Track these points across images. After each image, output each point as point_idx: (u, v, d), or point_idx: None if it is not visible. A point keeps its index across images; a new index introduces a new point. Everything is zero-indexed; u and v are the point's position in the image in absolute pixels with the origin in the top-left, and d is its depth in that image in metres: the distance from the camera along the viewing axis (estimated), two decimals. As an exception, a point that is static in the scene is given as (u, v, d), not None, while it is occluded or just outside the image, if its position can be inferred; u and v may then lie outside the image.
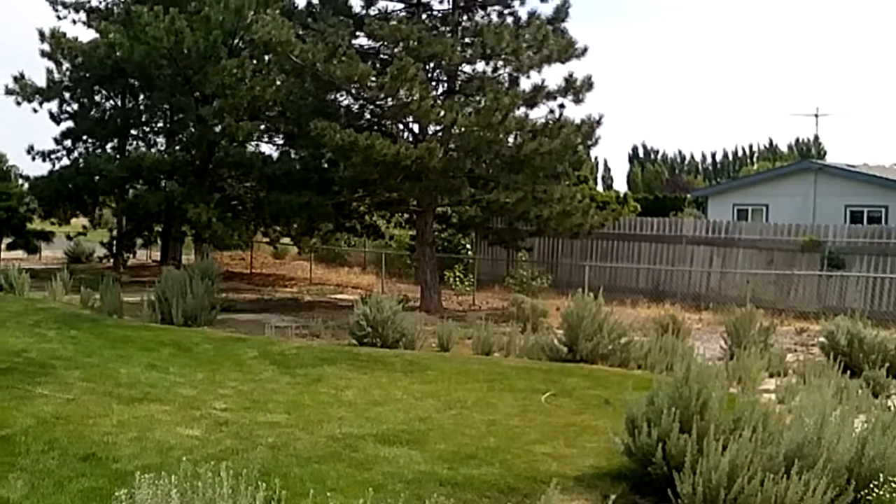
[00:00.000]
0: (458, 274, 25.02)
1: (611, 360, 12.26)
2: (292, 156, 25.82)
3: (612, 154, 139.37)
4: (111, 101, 30.38)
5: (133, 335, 13.66)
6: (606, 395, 9.89)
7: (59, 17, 28.80)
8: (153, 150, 29.50)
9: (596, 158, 67.69)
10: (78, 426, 8.21)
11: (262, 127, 26.71)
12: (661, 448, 6.60)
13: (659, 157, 77.02)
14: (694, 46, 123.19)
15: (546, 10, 21.23)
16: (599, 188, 52.52)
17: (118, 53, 26.68)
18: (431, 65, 20.75)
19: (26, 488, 6.39)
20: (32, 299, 18.41)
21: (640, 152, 77.41)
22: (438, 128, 20.39)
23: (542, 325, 15.98)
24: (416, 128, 21.26)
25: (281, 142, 27.58)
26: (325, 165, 22.77)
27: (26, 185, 29.64)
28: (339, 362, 11.77)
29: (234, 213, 25.81)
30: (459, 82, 21.58)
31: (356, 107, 21.90)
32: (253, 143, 27.80)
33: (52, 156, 29.43)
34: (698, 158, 76.72)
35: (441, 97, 20.79)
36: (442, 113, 19.47)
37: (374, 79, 19.48)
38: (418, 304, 20.22)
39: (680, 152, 77.21)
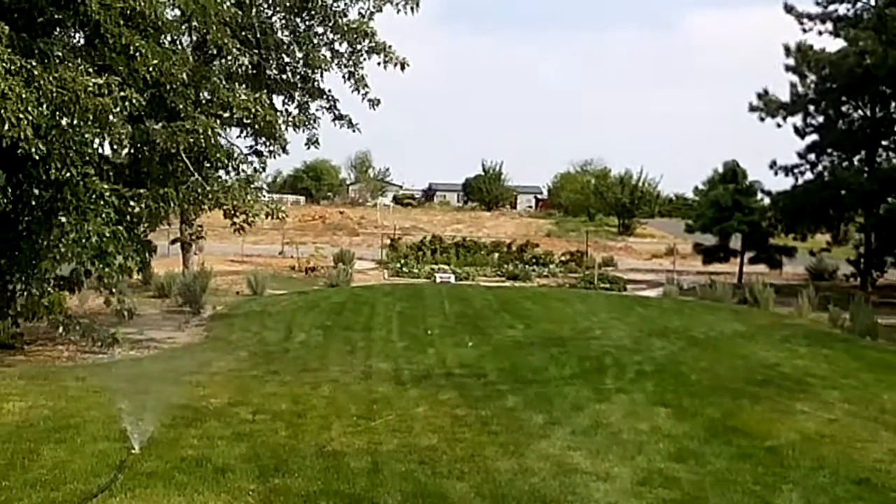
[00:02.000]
0: None
1: None
2: None
3: None
4: (859, 112, 29.76)
5: (894, 360, 12.99)
6: None
7: (804, 30, 29.44)
8: (907, 162, 27.93)
9: None
10: (845, 448, 8.03)
11: None
12: None
13: None
14: None
15: None
16: None
17: (868, 61, 26.05)
18: None
19: (801, 501, 6.40)
20: (777, 314, 19.04)
21: None
22: None
23: None
24: None
25: None
26: None
27: (767, 200, 30.90)
28: None
29: None
30: None
31: None
32: None
33: (795, 170, 30.10)
34: None
35: None
36: None
37: None
38: None
39: None
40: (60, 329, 12.51)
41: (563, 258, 34.15)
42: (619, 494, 6.32)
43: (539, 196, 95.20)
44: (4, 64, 9.38)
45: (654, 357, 13.21)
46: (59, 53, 10.82)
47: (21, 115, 9.33)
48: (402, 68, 15.05)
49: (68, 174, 10.59)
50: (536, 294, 23.48)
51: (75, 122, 10.56)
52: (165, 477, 6.39)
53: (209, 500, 5.89)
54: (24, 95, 9.39)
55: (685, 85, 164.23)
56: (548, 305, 20.24)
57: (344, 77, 15.66)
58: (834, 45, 29.07)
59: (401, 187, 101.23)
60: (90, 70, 10.46)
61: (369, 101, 15.55)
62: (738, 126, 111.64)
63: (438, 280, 27.35)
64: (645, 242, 51.33)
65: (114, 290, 12.75)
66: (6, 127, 9.28)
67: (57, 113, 10.31)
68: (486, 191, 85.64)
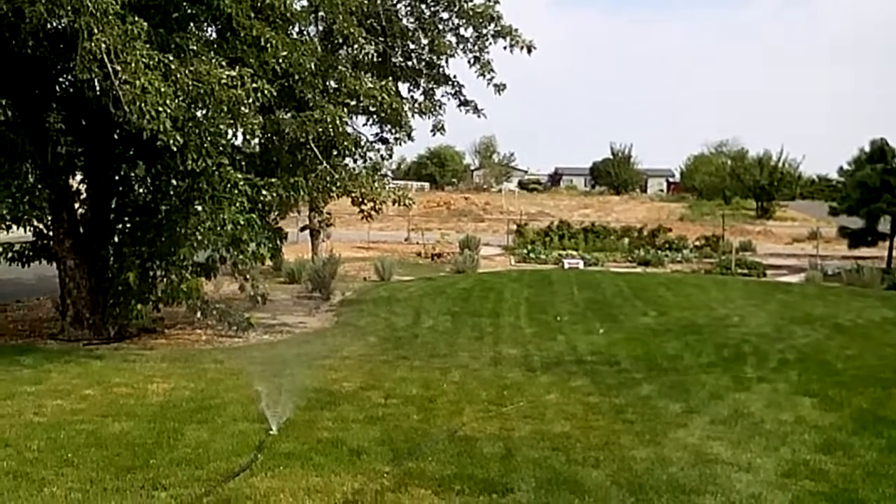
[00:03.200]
0: None
1: None
2: None
3: None
4: None
5: None
6: None
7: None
8: None
9: None
10: None
11: None
12: None
13: None
14: None
15: None
16: None
17: None
18: None
19: None
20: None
21: None
22: None
23: None
24: None
25: None
26: None
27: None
28: None
29: None
30: None
31: None
32: None
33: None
34: None
35: None
36: None
37: None
38: None
39: None
40: (198, 313, 13.11)
41: (697, 243, 33.37)
42: (763, 486, 6.14)
43: (671, 179, 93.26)
44: (144, 59, 9.85)
45: (796, 345, 12.78)
46: (194, 47, 11.27)
47: (160, 108, 9.79)
48: (529, 51, 15.00)
49: (204, 164, 11.07)
50: (670, 280, 23.04)
51: (210, 113, 11.04)
52: (303, 458, 6.62)
53: (345, 482, 6.06)
54: (162, 89, 9.84)
55: (827, 60, 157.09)
56: (682, 292, 19.84)
57: (469, 62, 15.75)
58: None
59: (526, 172, 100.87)
60: (223, 63, 10.87)
61: (495, 85, 15.58)
62: (886, 103, 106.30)
63: (566, 266, 27.19)
64: (785, 226, 49.64)
65: (247, 276, 13.29)
66: (146, 120, 9.76)
67: (192, 105, 10.77)
68: (614, 174, 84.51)
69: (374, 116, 15.31)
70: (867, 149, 30.26)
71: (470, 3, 15.41)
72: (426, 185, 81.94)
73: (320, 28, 15.07)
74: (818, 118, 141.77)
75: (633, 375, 10.33)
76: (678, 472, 6.40)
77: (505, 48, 15.15)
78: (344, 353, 11.92)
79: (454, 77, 16.68)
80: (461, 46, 15.88)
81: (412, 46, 16.45)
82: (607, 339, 13.27)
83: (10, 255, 13.04)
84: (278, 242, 15.22)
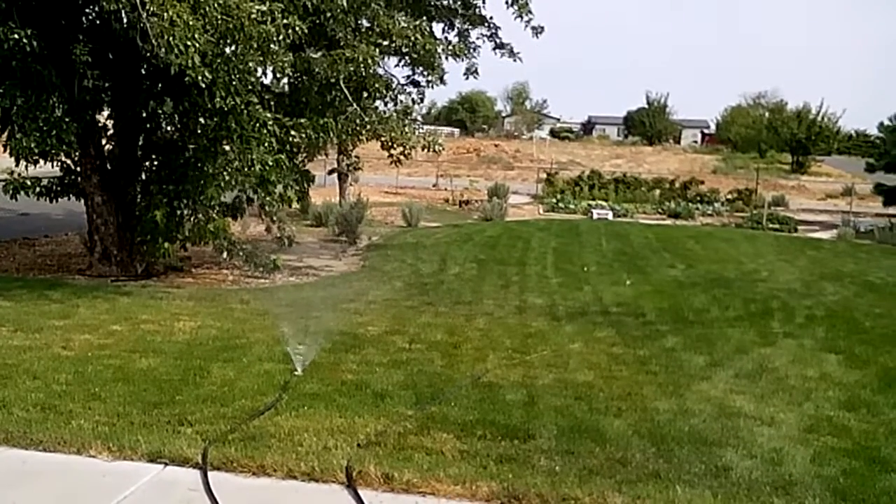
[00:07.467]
0: None
1: None
2: None
3: None
4: None
5: None
6: None
7: None
8: None
9: None
10: None
11: None
12: None
13: None
14: None
15: None
16: None
17: None
18: None
19: None
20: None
21: None
22: None
23: None
24: None
25: None
26: None
27: None
28: None
29: None
30: None
31: None
32: None
33: None
34: None
35: None
36: None
37: None
38: None
39: None
40: (225, 254, 13.21)
41: (729, 196, 33.12)
42: (785, 440, 6.17)
43: (706, 130, 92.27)
44: (172, -10, 9.77)
45: (824, 302, 12.73)
46: (223, -21, 11.15)
47: (188, 43, 9.75)
48: (567, -7, 14.72)
49: (232, 103, 11.04)
50: (699, 233, 22.95)
51: (239, 49, 10.95)
52: (327, 399, 6.73)
53: (369, 423, 6.15)
54: (190, 22, 9.77)
55: (875, 12, 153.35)
56: (711, 245, 19.77)
57: (506, 3, 15.45)
58: None
59: (558, 120, 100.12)
60: (253, -4, 10.75)
61: (532, 28, 15.34)
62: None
63: (595, 216, 27.11)
64: (819, 181, 49.13)
65: (274, 218, 13.36)
66: (174, 54, 9.73)
67: (221, 41, 10.69)
68: (648, 124, 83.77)
69: (407, 58, 15.12)
70: (911, 104, 29.73)
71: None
72: (456, 130, 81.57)
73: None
74: (861, 72, 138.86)
75: (659, 327, 10.34)
76: (700, 424, 6.44)
77: (543, -13, 14.83)
78: (369, 297, 12.01)
79: (490, 18, 16.43)
80: (499, -15, 15.57)
81: (448, -16, 16.18)
82: (634, 290, 13.27)
83: (38, 189, 13.10)
84: (306, 185, 15.26)
